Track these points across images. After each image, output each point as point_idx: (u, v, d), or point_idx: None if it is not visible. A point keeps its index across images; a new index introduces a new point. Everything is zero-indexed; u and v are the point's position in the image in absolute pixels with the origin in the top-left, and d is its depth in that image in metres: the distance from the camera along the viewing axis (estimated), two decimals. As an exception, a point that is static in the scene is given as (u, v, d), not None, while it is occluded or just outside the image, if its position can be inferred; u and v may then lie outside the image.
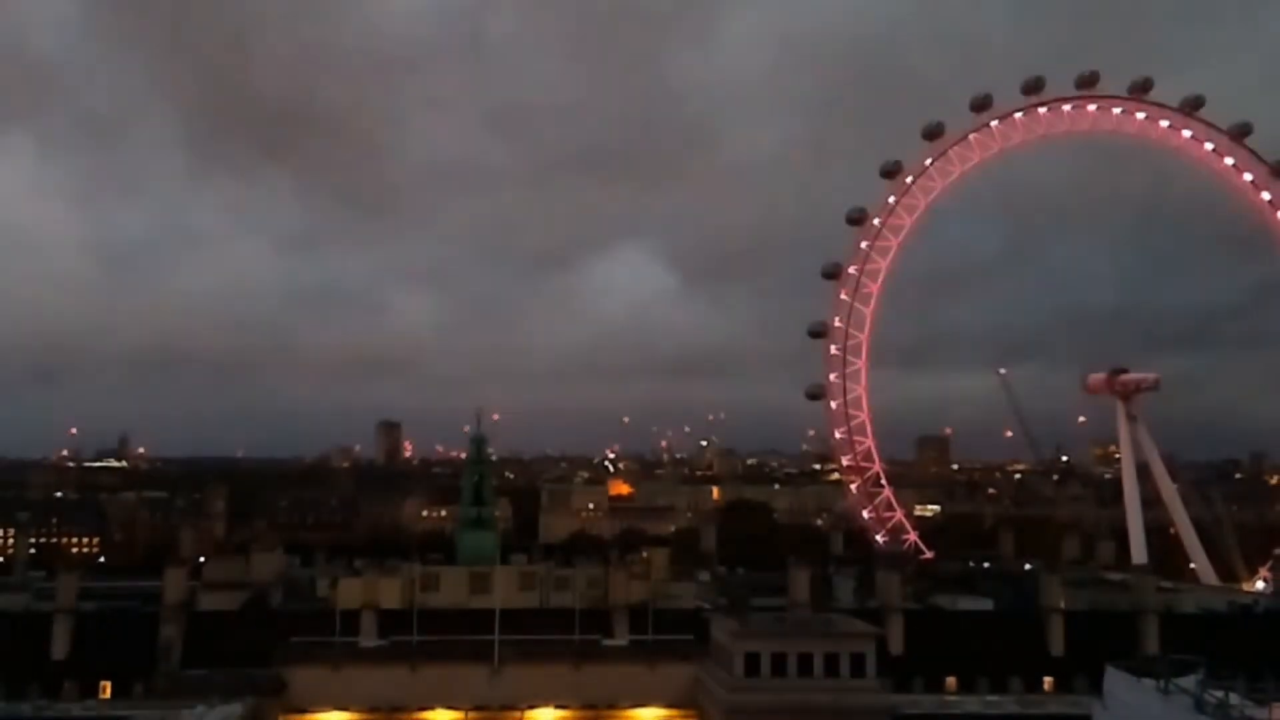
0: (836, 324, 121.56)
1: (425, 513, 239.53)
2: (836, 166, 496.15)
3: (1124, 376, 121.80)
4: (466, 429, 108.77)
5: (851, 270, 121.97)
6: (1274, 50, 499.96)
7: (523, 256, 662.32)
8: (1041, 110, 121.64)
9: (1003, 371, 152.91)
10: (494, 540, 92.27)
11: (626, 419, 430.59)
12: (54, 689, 64.59)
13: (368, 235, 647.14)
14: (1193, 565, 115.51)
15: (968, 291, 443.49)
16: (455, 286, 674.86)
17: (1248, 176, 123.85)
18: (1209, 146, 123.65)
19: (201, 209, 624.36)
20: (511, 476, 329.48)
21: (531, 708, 63.24)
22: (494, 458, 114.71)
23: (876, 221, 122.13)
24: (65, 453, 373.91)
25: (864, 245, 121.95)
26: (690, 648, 64.33)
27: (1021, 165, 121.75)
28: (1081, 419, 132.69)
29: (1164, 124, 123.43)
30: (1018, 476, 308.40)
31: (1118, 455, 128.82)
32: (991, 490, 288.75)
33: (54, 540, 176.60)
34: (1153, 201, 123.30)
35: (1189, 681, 34.83)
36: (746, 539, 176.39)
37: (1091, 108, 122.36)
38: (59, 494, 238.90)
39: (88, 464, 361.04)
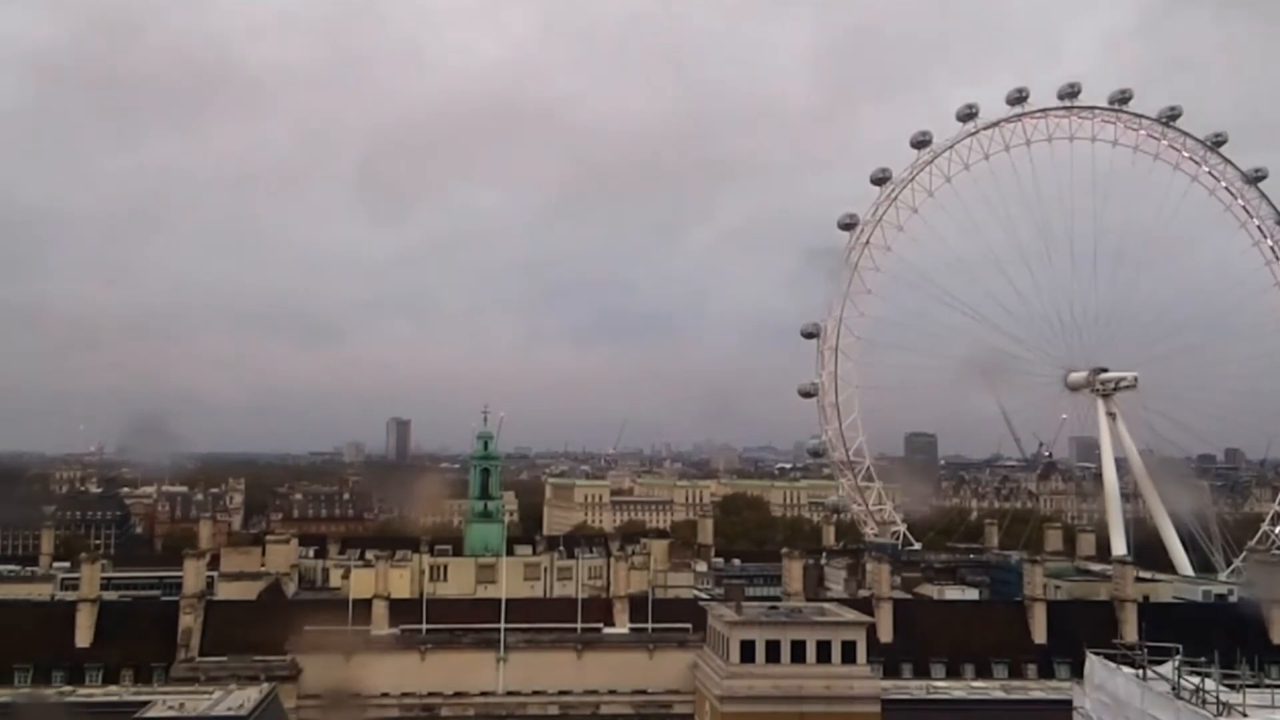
0: (828, 325, 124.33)
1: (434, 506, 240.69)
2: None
3: (1104, 375, 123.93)
4: (474, 426, 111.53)
5: (844, 273, 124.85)
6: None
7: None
8: (1026, 119, 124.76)
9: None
10: (500, 533, 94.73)
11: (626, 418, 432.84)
12: (78, 675, 65.96)
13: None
14: (1170, 557, 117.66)
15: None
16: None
17: (1223, 184, 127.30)
18: (1185, 155, 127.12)
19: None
20: (516, 471, 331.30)
21: (536, 693, 64.88)
22: (500, 453, 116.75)
23: (867, 227, 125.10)
24: (90, 448, 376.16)
25: (855, 250, 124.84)
26: (688, 636, 65.60)
27: (1004, 171, 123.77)
28: (1063, 416, 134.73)
29: (1142, 133, 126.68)
30: (1003, 472, 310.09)
31: (1098, 451, 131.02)
32: (977, 485, 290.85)
33: (78, 533, 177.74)
34: (1130, 205, 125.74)
35: (1166, 668, 35.67)
36: (742, 531, 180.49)
37: (1074, 117, 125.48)
38: (83, 488, 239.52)
39: (110, 459, 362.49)
